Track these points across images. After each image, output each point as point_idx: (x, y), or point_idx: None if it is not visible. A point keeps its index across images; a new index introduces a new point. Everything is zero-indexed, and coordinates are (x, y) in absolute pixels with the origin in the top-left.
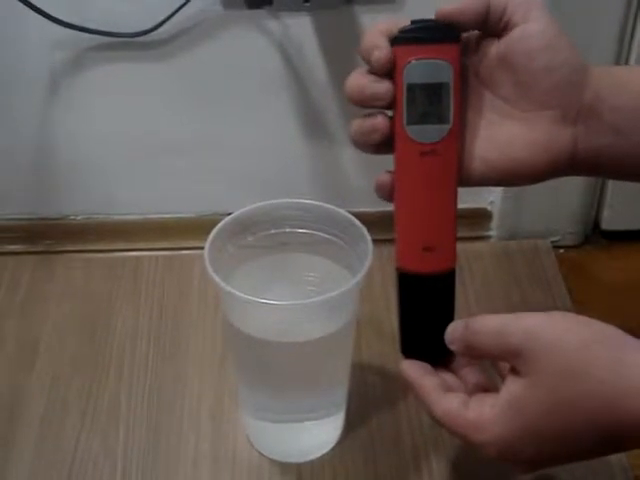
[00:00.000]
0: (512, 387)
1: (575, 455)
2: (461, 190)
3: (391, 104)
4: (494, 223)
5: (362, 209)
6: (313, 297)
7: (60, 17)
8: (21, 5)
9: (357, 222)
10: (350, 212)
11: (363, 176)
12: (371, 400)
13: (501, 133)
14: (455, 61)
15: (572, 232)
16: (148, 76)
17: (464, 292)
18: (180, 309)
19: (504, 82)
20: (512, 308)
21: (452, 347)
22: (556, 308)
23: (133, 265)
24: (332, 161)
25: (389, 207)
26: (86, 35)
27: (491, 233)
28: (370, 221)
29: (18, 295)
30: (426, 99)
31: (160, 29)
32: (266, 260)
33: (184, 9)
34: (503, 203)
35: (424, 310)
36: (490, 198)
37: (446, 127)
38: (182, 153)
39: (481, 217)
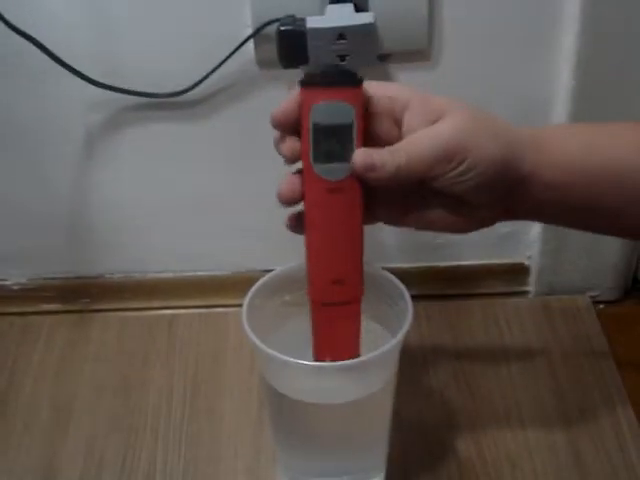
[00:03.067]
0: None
1: None
2: (498, 244)
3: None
4: (532, 278)
5: (397, 265)
6: None
7: (95, 78)
8: (57, 65)
9: (395, 280)
10: (385, 268)
11: (397, 232)
12: (411, 462)
13: (418, 203)
14: (358, 103)
15: (612, 287)
16: (183, 135)
17: (503, 347)
18: (215, 367)
19: None
20: (552, 365)
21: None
22: (598, 365)
23: (168, 323)
24: None
25: (425, 263)
26: (121, 95)
27: (529, 288)
28: (405, 277)
29: (54, 355)
30: (331, 139)
31: (196, 89)
32: (303, 319)
33: (220, 69)
34: (541, 258)
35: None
36: (528, 253)
37: (350, 166)
38: (216, 211)
39: (519, 272)
